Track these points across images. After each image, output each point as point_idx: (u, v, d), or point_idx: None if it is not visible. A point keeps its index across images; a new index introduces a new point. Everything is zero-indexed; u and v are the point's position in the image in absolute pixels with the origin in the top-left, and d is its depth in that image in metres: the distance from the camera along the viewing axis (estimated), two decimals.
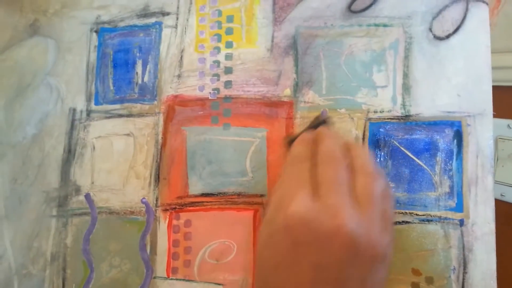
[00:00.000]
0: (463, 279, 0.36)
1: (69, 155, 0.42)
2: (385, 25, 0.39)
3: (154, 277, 0.39)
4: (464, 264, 0.37)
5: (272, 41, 0.40)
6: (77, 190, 0.41)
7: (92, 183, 0.41)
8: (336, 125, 0.39)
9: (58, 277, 0.41)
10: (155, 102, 0.41)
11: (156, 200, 0.40)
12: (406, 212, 0.37)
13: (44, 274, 0.41)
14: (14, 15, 0.44)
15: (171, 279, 0.39)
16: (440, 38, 0.38)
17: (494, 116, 0.38)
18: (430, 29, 0.39)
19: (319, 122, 0.35)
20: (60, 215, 0.41)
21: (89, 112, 0.42)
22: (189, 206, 0.40)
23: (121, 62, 0.42)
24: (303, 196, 0.27)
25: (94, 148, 0.42)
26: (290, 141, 0.34)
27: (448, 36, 0.38)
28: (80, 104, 0.42)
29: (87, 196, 0.41)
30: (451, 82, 0.38)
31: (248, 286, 0.38)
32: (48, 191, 0.42)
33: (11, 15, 0.44)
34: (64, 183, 0.42)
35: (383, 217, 0.28)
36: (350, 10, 0.40)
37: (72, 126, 0.42)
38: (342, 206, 0.26)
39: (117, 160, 0.41)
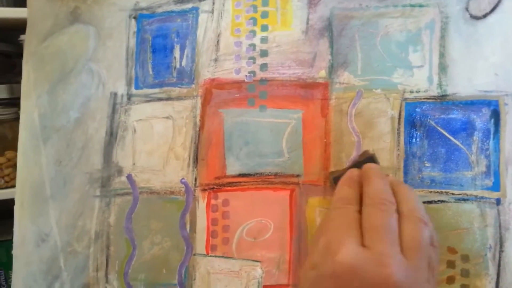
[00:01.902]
0: (500, 257, 0.38)
1: (111, 137, 0.45)
2: (420, 5, 0.40)
3: (194, 254, 0.42)
4: (501, 242, 0.38)
5: (307, 23, 0.42)
6: (119, 171, 0.44)
7: (134, 164, 0.44)
8: (371, 105, 0.40)
9: (102, 254, 0.44)
10: (193, 86, 0.44)
11: (195, 181, 0.43)
12: (442, 191, 0.39)
13: (88, 252, 0.44)
14: (55, 3, 0.47)
15: (210, 256, 0.42)
16: (477, 18, 0.39)
17: None
18: (467, 9, 0.40)
19: (365, 159, 0.36)
20: (103, 195, 0.44)
21: (129, 96, 0.45)
22: (227, 186, 0.42)
23: (160, 47, 0.45)
24: (351, 243, 0.28)
25: (135, 130, 0.44)
26: (335, 177, 0.36)
27: (485, 15, 0.39)
28: (121, 89, 0.45)
29: (129, 176, 0.44)
30: (488, 61, 0.39)
31: (285, 263, 0.41)
32: (91, 172, 0.45)
33: (52, 4, 0.47)
34: (107, 164, 0.45)
35: (429, 266, 0.29)
36: None
37: (114, 110, 0.45)
38: (390, 255, 0.27)
39: (157, 142, 0.44)
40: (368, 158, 0.36)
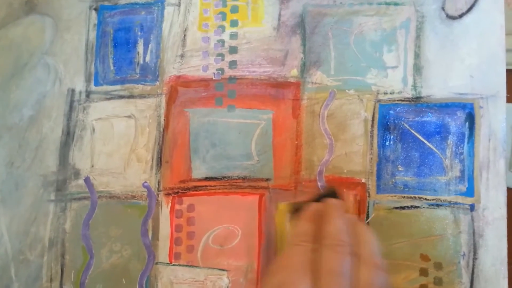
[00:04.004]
0: (473, 265, 0.38)
1: (68, 137, 0.43)
2: (396, 4, 0.40)
3: (156, 263, 0.41)
4: (474, 249, 0.38)
5: (279, 19, 0.41)
6: (76, 174, 0.42)
7: (92, 166, 0.42)
8: (344, 106, 0.40)
9: (57, 263, 0.42)
10: (157, 83, 0.42)
11: (158, 184, 0.41)
12: (415, 197, 0.39)
13: (42, 260, 0.42)
14: None
15: (174, 264, 0.41)
16: (453, 18, 0.39)
17: (510, 101, 0.39)
18: (443, 8, 0.40)
19: (328, 193, 0.36)
20: (59, 200, 0.42)
21: (88, 93, 0.43)
22: (192, 190, 0.41)
23: (122, 41, 0.43)
24: (303, 287, 0.28)
25: (93, 130, 0.43)
26: (295, 209, 0.35)
27: (461, 16, 0.39)
28: (79, 85, 0.43)
29: (87, 180, 0.42)
30: (464, 63, 0.39)
31: (253, 272, 0.40)
32: (46, 175, 0.43)
33: None
34: (63, 166, 0.43)
35: None
36: None
37: (71, 108, 0.43)
38: None
39: (118, 142, 0.42)
40: (330, 193, 0.36)
